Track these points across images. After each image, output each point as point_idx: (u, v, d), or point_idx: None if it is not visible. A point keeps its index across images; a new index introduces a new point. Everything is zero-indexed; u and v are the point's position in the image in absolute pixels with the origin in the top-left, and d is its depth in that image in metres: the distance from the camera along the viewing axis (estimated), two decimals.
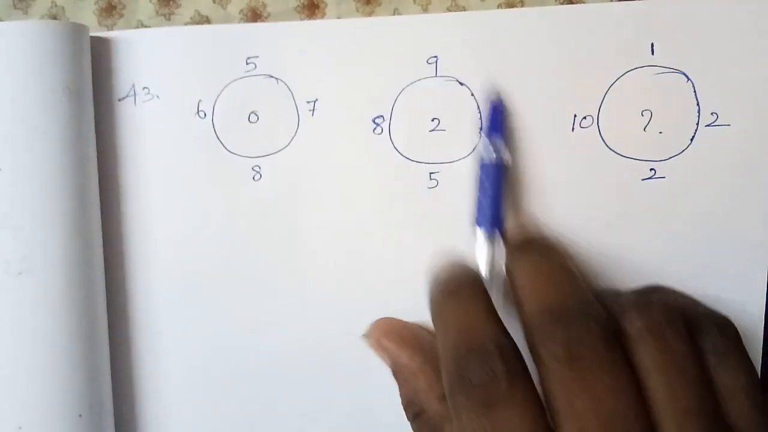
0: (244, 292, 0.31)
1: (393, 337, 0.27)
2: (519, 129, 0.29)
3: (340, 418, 0.31)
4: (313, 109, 0.31)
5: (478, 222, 0.28)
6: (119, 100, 0.31)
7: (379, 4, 0.31)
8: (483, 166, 0.28)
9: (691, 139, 0.29)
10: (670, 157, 0.29)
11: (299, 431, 0.31)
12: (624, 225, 0.29)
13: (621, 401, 0.20)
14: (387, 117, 0.30)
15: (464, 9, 0.31)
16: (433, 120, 0.30)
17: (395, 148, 0.30)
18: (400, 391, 0.26)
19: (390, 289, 0.30)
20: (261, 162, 0.31)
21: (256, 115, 0.31)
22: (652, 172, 0.29)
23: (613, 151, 0.29)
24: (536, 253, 0.25)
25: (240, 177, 0.31)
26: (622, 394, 0.20)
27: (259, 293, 0.31)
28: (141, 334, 0.32)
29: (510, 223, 0.28)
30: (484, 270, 0.27)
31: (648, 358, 0.21)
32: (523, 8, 0.30)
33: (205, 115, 0.31)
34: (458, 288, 0.25)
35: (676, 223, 0.29)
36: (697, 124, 0.29)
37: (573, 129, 0.29)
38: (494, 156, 0.28)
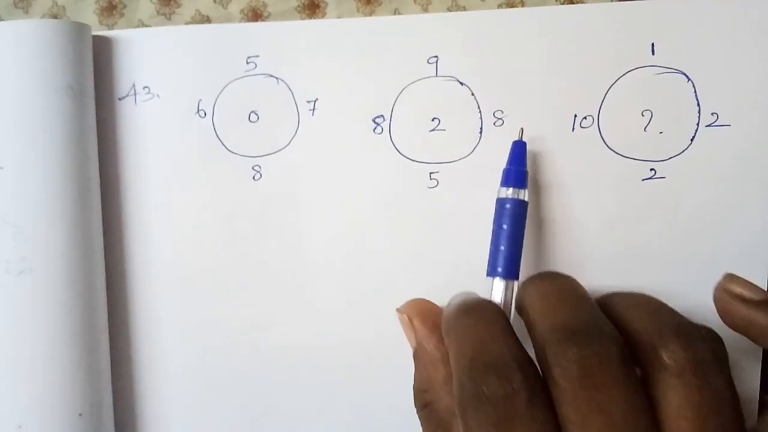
0: (244, 292, 0.31)
1: (426, 320, 0.26)
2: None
3: (340, 418, 0.31)
4: (313, 109, 0.31)
5: (494, 272, 0.26)
6: (120, 99, 0.31)
7: (379, 4, 0.31)
8: (502, 205, 0.27)
9: (692, 140, 0.29)
10: (671, 158, 0.29)
11: (299, 431, 0.31)
12: (624, 225, 0.29)
13: (635, 423, 0.20)
14: (387, 117, 0.30)
15: (464, 9, 0.31)
16: (433, 120, 0.30)
17: (395, 148, 0.30)
18: (415, 375, 0.26)
19: (390, 289, 0.30)
20: (261, 162, 0.31)
21: (256, 114, 0.31)
22: (653, 172, 0.29)
23: (614, 151, 0.29)
24: (546, 278, 0.24)
25: (240, 177, 0.31)
26: (637, 416, 0.20)
27: (259, 293, 0.31)
28: (141, 334, 0.32)
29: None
30: None
31: (682, 398, 0.20)
32: (523, 8, 0.30)
33: (205, 114, 0.31)
34: (476, 305, 0.24)
35: (676, 223, 0.29)
36: (698, 124, 0.29)
37: (573, 129, 0.29)
38: (517, 195, 0.27)
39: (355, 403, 0.31)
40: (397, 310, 0.27)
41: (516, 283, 0.26)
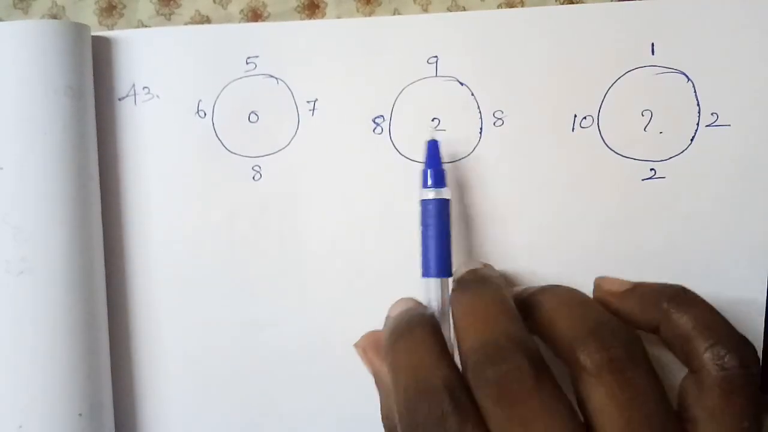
0: (244, 292, 0.31)
1: (378, 351, 0.26)
2: (520, 130, 0.29)
3: (340, 418, 0.31)
4: (313, 109, 0.31)
5: (427, 272, 0.27)
6: (119, 99, 0.31)
7: (379, 4, 0.31)
8: (426, 206, 0.27)
9: (692, 140, 0.29)
10: (671, 158, 0.29)
11: (298, 431, 0.31)
12: (624, 225, 0.29)
13: (559, 430, 0.20)
14: (387, 117, 0.30)
15: (464, 9, 0.31)
16: (433, 120, 0.30)
17: (395, 148, 0.30)
18: (380, 402, 0.26)
19: (389, 289, 0.30)
20: (261, 162, 0.31)
21: (256, 114, 0.31)
22: (652, 172, 0.29)
23: (613, 151, 0.29)
24: (471, 289, 0.25)
25: (240, 177, 0.31)
26: (559, 422, 0.20)
27: (259, 293, 0.31)
28: (141, 334, 0.32)
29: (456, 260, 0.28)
30: (437, 314, 0.26)
31: (602, 396, 0.21)
32: (523, 8, 0.30)
33: (205, 114, 0.31)
34: (409, 327, 0.24)
35: (676, 223, 0.29)
36: (698, 124, 0.29)
37: (573, 129, 0.29)
38: (437, 192, 0.27)
39: (355, 403, 0.31)
40: (354, 345, 0.27)
41: (450, 281, 0.27)
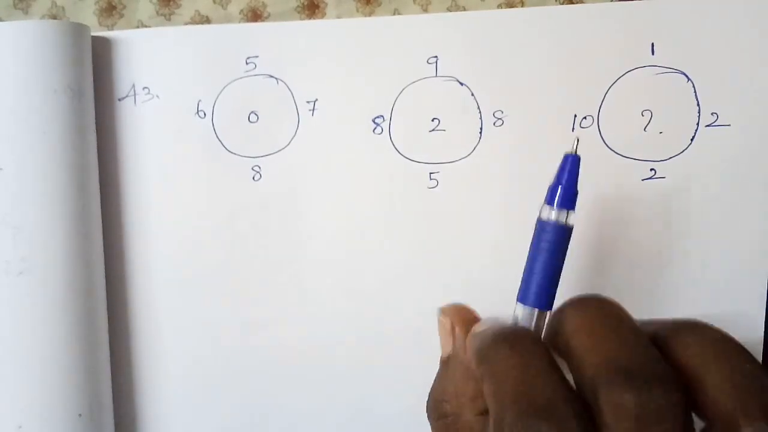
0: (244, 292, 0.31)
1: (464, 328, 0.23)
2: (520, 130, 0.29)
3: (340, 418, 0.31)
4: (313, 109, 0.31)
5: (525, 298, 0.23)
6: (120, 99, 0.31)
7: (379, 4, 0.31)
8: (543, 228, 0.23)
9: (692, 139, 0.29)
10: (671, 157, 0.29)
11: (299, 431, 0.31)
12: (624, 225, 0.29)
13: None
14: (387, 117, 0.30)
15: (464, 9, 0.31)
16: (433, 120, 0.30)
17: (395, 148, 0.30)
18: (437, 381, 0.24)
19: (390, 289, 0.30)
20: (261, 162, 0.31)
21: (256, 115, 0.31)
22: (653, 172, 0.29)
23: (614, 151, 0.29)
24: (590, 305, 0.21)
25: (240, 177, 0.31)
26: None
27: (259, 293, 0.31)
28: (141, 334, 0.32)
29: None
30: None
31: None
32: (523, 8, 0.30)
33: (205, 115, 0.31)
34: (513, 335, 0.21)
35: (676, 223, 0.29)
36: (698, 124, 0.29)
37: (573, 129, 0.29)
38: (560, 215, 0.23)
39: (355, 403, 0.31)
40: (441, 309, 0.24)
41: (548, 314, 0.23)
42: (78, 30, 0.30)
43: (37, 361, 0.28)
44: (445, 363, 0.24)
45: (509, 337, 0.21)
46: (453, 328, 0.24)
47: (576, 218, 0.29)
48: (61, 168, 0.29)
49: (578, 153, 0.23)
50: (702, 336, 0.21)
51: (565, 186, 0.22)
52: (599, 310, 0.21)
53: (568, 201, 0.22)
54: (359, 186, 0.30)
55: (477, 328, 0.23)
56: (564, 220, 0.23)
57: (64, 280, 0.29)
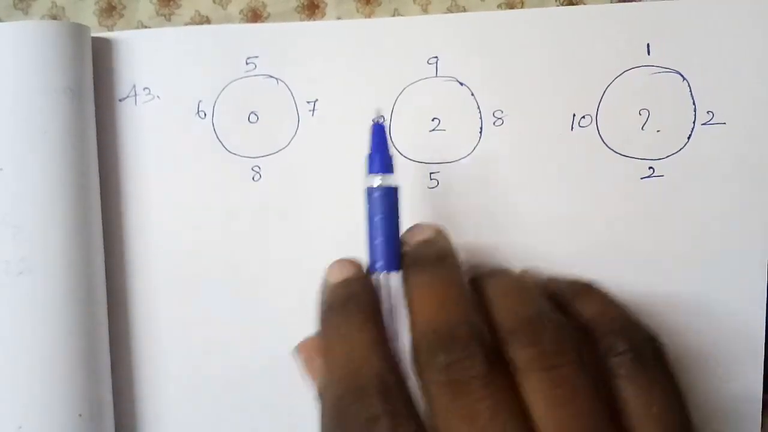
0: (244, 292, 0.31)
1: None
2: (519, 129, 0.30)
3: None
4: (313, 109, 0.31)
5: (373, 267, 0.24)
6: (120, 100, 0.31)
7: (379, 5, 0.31)
8: (371, 194, 0.25)
9: (688, 138, 0.29)
10: (668, 156, 0.29)
11: (298, 431, 0.31)
12: (623, 223, 0.29)
13: (504, 429, 0.19)
14: (387, 117, 0.30)
15: (464, 9, 0.31)
16: (433, 120, 0.30)
17: (395, 148, 0.30)
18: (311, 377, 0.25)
19: None
20: (261, 162, 0.31)
21: (256, 115, 0.31)
22: (651, 170, 0.29)
23: (612, 150, 0.29)
24: (428, 270, 0.23)
25: (240, 177, 0.31)
26: (506, 426, 0.19)
27: (259, 293, 0.31)
28: (141, 334, 0.32)
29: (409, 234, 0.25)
30: (385, 312, 0.23)
31: (536, 392, 0.20)
32: (522, 9, 0.31)
33: (205, 115, 0.31)
34: (344, 304, 0.23)
35: (675, 221, 0.29)
36: (694, 122, 0.29)
37: (572, 128, 0.29)
38: (386, 182, 0.24)
39: None
40: (298, 347, 0.26)
41: (399, 274, 0.24)
42: (78, 30, 0.30)
43: (37, 361, 0.28)
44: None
45: (339, 306, 0.23)
46: (310, 362, 0.25)
47: (575, 216, 0.29)
48: (61, 168, 0.29)
49: (381, 122, 0.25)
50: (496, 276, 0.24)
51: (380, 153, 0.24)
52: (431, 275, 0.23)
53: (385, 165, 0.24)
54: (359, 186, 0.31)
55: (327, 276, 0.25)
56: (388, 184, 0.24)
57: (64, 280, 0.29)
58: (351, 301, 0.23)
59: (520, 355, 0.20)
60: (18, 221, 0.29)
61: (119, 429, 0.31)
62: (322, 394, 0.22)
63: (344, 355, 0.21)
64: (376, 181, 0.24)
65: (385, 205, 0.24)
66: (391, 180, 0.25)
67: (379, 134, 0.25)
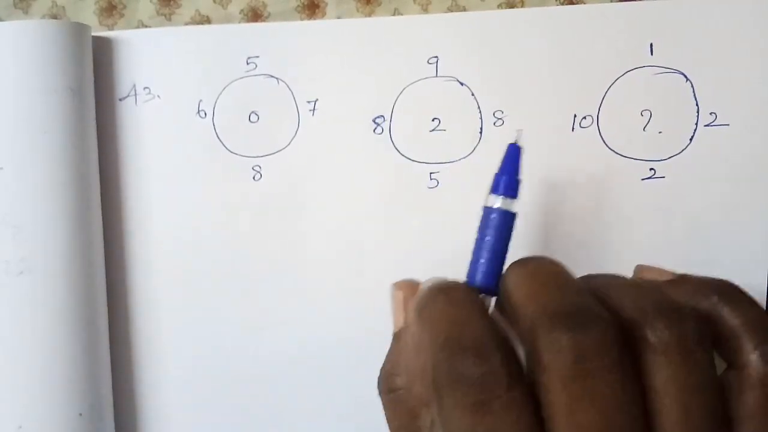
0: (244, 292, 0.31)
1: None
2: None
3: (340, 418, 0.31)
4: (313, 109, 0.31)
5: (472, 283, 0.23)
6: (120, 99, 0.31)
7: (379, 4, 0.31)
8: (488, 215, 0.24)
9: (691, 139, 0.29)
10: (670, 157, 0.29)
11: (299, 430, 0.31)
12: (624, 224, 0.29)
13: (627, 417, 0.19)
14: (387, 117, 0.30)
15: (464, 9, 0.31)
16: (433, 120, 0.30)
17: (395, 148, 0.30)
18: (388, 356, 0.24)
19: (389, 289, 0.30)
20: (261, 162, 0.31)
21: (257, 115, 0.31)
22: (652, 171, 0.29)
23: (613, 150, 0.29)
24: (531, 261, 0.23)
25: (240, 177, 0.31)
26: (630, 409, 0.19)
27: (259, 293, 0.31)
28: (141, 334, 0.32)
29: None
30: None
31: (667, 376, 0.19)
32: (523, 8, 0.30)
33: (205, 114, 0.31)
34: (449, 285, 0.23)
35: (676, 223, 0.29)
36: (696, 123, 0.29)
37: (573, 129, 0.29)
38: (506, 206, 0.23)
39: (354, 402, 0.31)
40: (394, 284, 0.25)
41: (493, 300, 0.23)
42: (78, 30, 0.30)
43: (37, 361, 0.28)
44: (397, 337, 0.24)
45: (443, 287, 0.22)
46: (405, 302, 0.24)
47: (576, 217, 0.29)
48: (61, 168, 0.29)
49: (520, 143, 0.24)
50: (604, 277, 0.23)
51: (508, 175, 0.24)
52: (538, 265, 0.22)
53: (512, 190, 0.24)
54: (359, 186, 0.31)
55: (423, 284, 0.24)
56: (507, 208, 0.24)
57: (64, 280, 0.29)
58: (451, 287, 0.23)
59: (661, 335, 0.20)
60: (18, 221, 0.29)
61: (119, 429, 0.31)
62: (431, 353, 0.21)
63: (453, 319, 0.21)
64: (497, 202, 0.24)
65: (499, 229, 0.24)
66: (512, 205, 0.24)
67: (513, 156, 0.24)
